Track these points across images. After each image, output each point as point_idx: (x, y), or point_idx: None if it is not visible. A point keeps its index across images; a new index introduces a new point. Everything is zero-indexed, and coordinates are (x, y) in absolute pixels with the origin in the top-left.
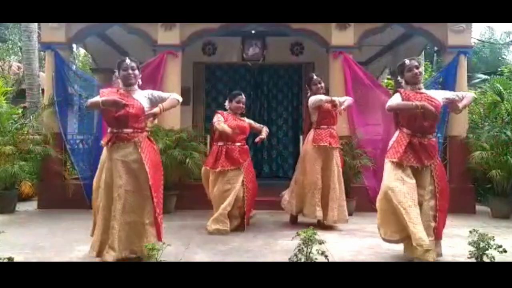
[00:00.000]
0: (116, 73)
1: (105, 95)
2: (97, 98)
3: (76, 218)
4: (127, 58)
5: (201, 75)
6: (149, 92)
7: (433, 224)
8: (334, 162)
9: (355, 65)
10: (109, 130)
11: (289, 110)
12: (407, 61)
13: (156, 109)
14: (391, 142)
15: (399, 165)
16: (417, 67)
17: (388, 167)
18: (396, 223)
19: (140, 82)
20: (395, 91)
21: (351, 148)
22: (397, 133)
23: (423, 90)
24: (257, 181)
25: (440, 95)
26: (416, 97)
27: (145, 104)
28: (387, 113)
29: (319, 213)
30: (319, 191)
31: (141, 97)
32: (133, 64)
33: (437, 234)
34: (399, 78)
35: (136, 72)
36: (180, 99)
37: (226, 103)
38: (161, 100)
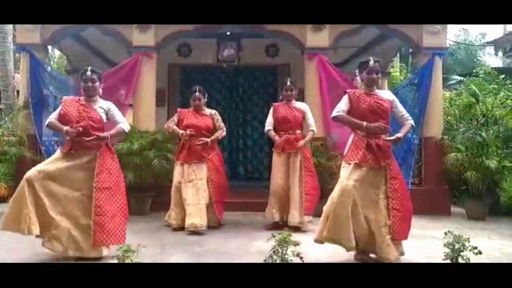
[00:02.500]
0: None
1: (68, 103)
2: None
3: None
4: (88, 69)
5: (176, 76)
6: (108, 106)
7: (388, 222)
8: (296, 165)
9: (330, 66)
10: (68, 138)
11: (264, 112)
12: (371, 62)
13: (103, 135)
14: (348, 146)
15: (358, 166)
16: (377, 73)
17: (345, 168)
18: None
19: (101, 92)
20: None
21: (326, 149)
22: (352, 136)
23: (376, 91)
24: (232, 182)
25: (390, 97)
26: (366, 99)
27: (103, 116)
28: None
29: (276, 215)
30: (279, 197)
31: (100, 108)
32: (94, 76)
33: (395, 234)
34: (356, 72)
35: (97, 84)
36: (127, 129)
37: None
38: (112, 119)
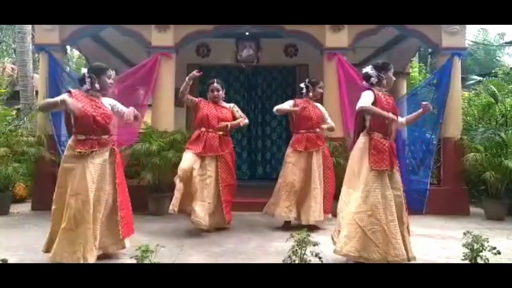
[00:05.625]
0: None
1: (78, 97)
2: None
3: None
4: (109, 69)
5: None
6: (109, 102)
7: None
8: (314, 164)
9: (349, 66)
10: (83, 137)
11: None
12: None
13: (132, 115)
14: (358, 149)
15: (380, 173)
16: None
17: (372, 177)
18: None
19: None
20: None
21: (344, 150)
22: (366, 138)
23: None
24: (250, 182)
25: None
26: (388, 100)
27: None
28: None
29: (291, 213)
30: (295, 193)
31: (108, 105)
32: (114, 76)
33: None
34: (376, 73)
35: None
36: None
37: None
38: (119, 112)
